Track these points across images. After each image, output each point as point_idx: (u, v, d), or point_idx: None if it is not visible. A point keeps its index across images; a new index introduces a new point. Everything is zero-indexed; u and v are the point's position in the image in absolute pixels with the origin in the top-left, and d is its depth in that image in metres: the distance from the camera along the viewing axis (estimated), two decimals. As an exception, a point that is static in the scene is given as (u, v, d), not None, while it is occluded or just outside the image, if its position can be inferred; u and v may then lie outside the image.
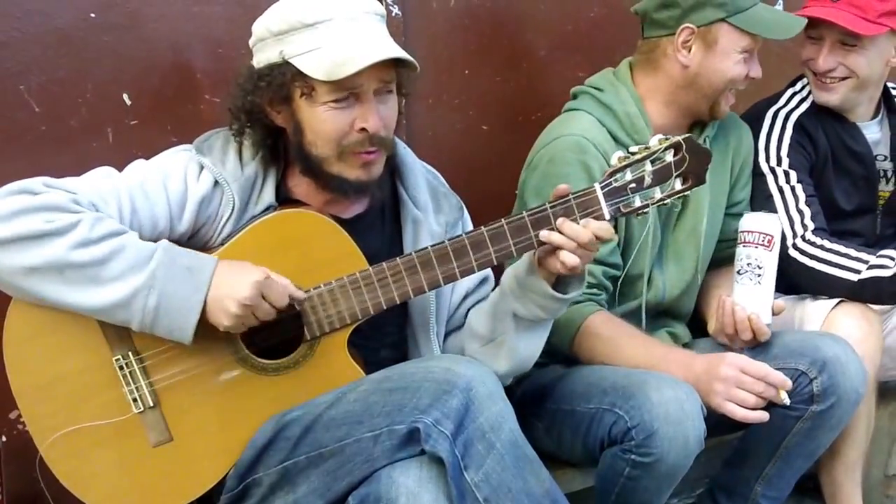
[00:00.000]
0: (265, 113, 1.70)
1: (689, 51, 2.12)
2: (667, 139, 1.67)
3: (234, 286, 1.55)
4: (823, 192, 2.45)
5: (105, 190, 1.62)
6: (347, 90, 1.63)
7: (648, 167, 1.66)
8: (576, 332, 2.03)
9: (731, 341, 2.07)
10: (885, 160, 2.55)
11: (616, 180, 1.66)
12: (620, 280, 2.15)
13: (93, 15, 2.08)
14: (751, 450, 2.16)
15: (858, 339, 2.14)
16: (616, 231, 2.02)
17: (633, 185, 1.66)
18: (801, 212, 2.35)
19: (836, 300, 2.29)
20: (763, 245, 1.99)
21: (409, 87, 1.76)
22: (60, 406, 1.62)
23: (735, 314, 2.02)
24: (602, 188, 1.65)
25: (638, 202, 1.67)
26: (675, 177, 1.66)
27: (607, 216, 1.66)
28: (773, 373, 1.89)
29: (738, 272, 2.02)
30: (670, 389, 1.82)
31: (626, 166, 1.66)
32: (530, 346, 1.79)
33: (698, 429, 1.81)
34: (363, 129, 1.65)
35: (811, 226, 2.34)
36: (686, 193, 1.69)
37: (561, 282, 1.72)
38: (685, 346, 2.25)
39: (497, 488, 1.51)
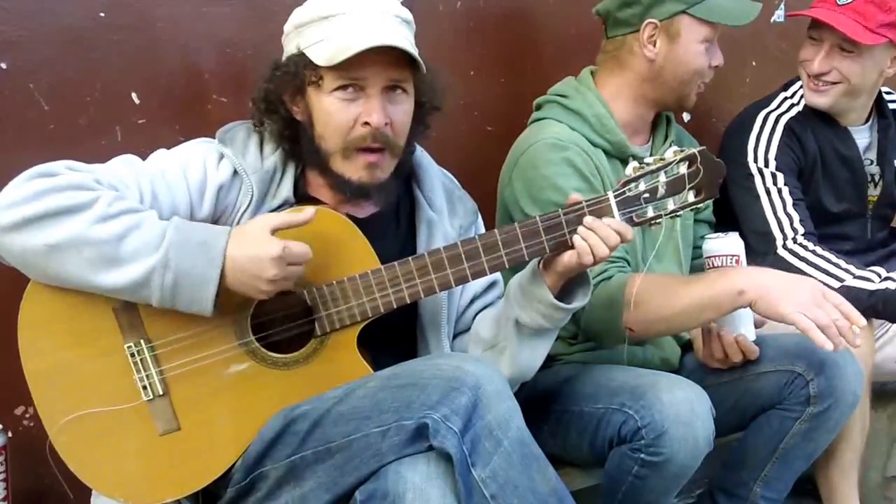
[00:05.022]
0: (284, 104, 1.73)
1: (654, 45, 2.15)
2: (681, 151, 1.69)
3: (256, 264, 1.55)
4: (812, 194, 2.49)
5: (127, 176, 1.64)
6: (351, 80, 1.66)
7: (662, 178, 1.67)
8: (623, 303, 1.95)
9: (723, 364, 2.09)
10: (871, 164, 2.58)
11: (629, 190, 1.67)
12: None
13: (102, 15, 2.09)
14: (749, 451, 2.18)
15: None
16: None
17: (646, 195, 1.67)
18: (789, 215, 2.39)
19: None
20: (732, 267, 2.01)
21: (430, 97, 1.78)
22: (71, 391, 1.63)
23: (722, 339, 2.04)
24: (615, 197, 1.67)
25: (651, 212, 1.68)
26: (689, 189, 1.68)
27: None
28: (849, 306, 1.81)
29: None
30: (681, 390, 1.84)
31: (639, 176, 1.67)
32: (532, 356, 1.80)
33: (707, 430, 1.83)
34: (367, 124, 1.67)
35: (801, 230, 2.38)
36: (699, 206, 1.70)
37: (565, 291, 1.74)
38: (682, 356, 2.27)
39: (504, 485, 1.52)
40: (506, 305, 1.79)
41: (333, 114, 1.68)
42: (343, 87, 1.67)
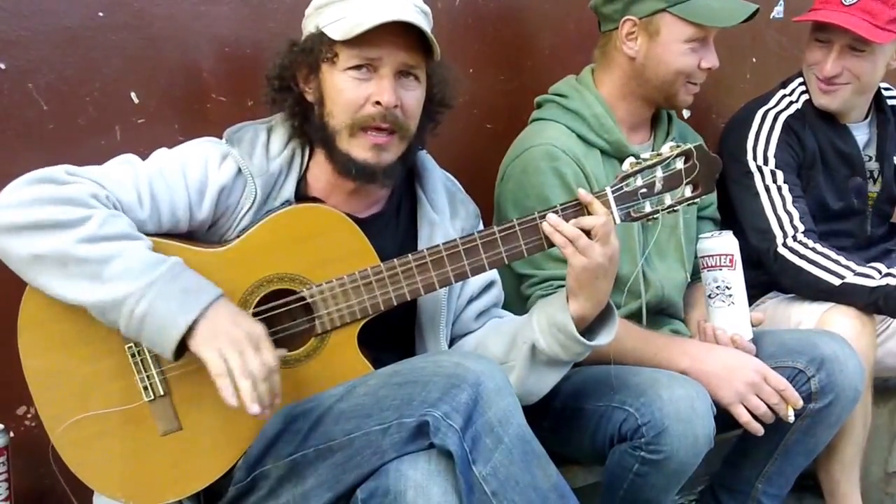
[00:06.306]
0: (297, 83, 1.74)
1: (635, 42, 2.14)
2: (678, 146, 1.69)
3: (232, 327, 1.52)
4: (812, 192, 2.48)
5: (125, 176, 1.64)
6: (365, 60, 1.67)
7: (659, 173, 1.68)
8: None
9: None
10: (870, 160, 2.57)
11: (627, 185, 1.68)
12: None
13: (101, 14, 2.09)
14: (751, 447, 2.19)
15: (851, 338, 2.17)
16: None
17: (643, 190, 1.68)
18: (789, 213, 2.38)
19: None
20: (727, 266, 2.01)
21: (442, 89, 1.79)
22: (72, 392, 1.63)
23: (718, 339, 2.04)
24: (613, 192, 1.67)
25: (648, 208, 1.69)
26: (686, 184, 1.69)
27: (618, 220, 1.68)
28: (791, 389, 1.93)
29: (709, 296, 2.04)
30: (681, 388, 1.84)
31: (637, 172, 1.68)
32: (539, 383, 1.79)
33: (708, 427, 1.83)
34: (378, 104, 1.67)
35: (801, 227, 2.37)
36: (696, 201, 1.71)
37: (590, 329, 1.74)
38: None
39: (505, 482, 1.51)
40: (525, 328, 1.77)
41: (344, 90, 1.69)
42: (357, 67, 1.68)
